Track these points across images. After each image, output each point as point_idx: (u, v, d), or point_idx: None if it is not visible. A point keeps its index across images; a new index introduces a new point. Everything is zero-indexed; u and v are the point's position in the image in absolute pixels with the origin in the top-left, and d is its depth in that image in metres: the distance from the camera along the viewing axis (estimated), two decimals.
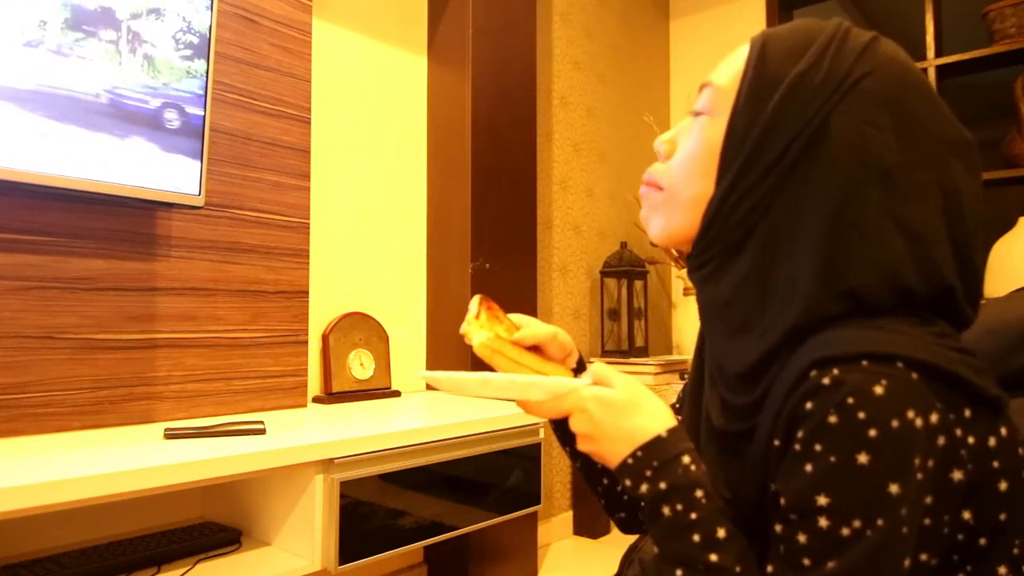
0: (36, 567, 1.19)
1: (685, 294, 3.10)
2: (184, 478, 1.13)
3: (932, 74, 2.56)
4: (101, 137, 1.30)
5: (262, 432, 1.39)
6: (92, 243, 1.42)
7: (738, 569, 0.58)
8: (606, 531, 2.72)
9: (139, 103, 1.35)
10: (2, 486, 0.95)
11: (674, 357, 2.87)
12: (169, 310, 1.53)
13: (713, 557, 0.58)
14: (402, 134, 2.22)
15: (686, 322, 3.13)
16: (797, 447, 0.56)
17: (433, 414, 1.71)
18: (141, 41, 1.36)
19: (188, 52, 1.43)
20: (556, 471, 2.66)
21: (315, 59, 1.93)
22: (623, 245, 2.84)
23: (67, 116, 1.26)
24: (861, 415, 0.53)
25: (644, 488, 0.62)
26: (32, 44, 1.21)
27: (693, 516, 0.59)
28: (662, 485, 0.61)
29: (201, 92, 1.45)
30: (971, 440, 0.56)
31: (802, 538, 0.55)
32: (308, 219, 1.80)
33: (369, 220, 2.11)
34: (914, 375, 0.54)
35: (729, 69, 0.66)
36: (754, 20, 3.14)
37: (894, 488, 0.52)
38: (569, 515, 2.71)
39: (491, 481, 1.68)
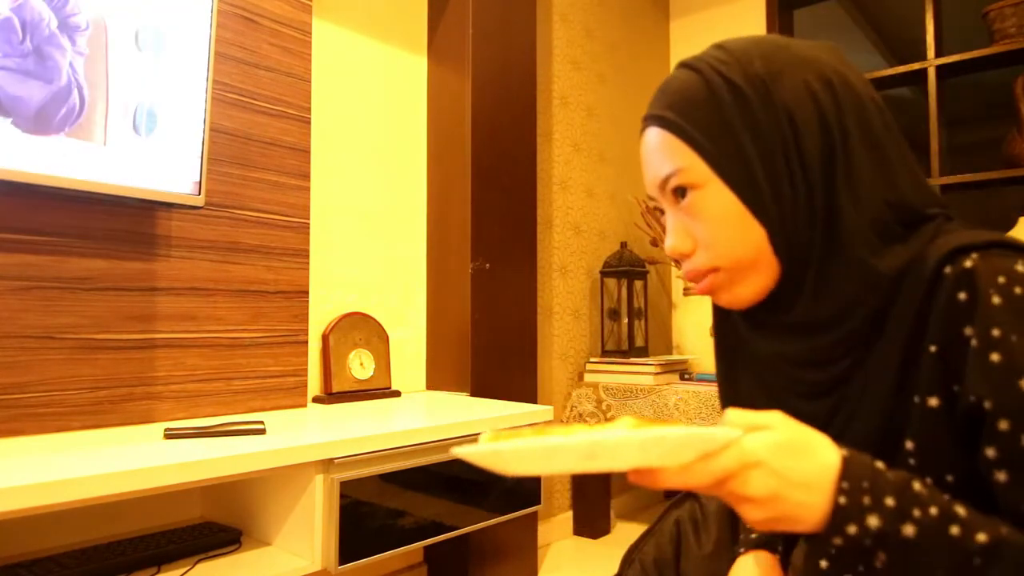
0: (36, 567, 1.19)
1: (685, 294, 3.10)
2: (184, 478, 1.13)
3: (932, 74, 2.55)
4: (99, 137, 1.30)
5: (262, 432, 1.39)
6: (92, 243, 1.42)
7: (1004, 530, 0.51)
8: (606, 531, 2.72)
9: (138, 102, 1.35)
10: (2, 486, 0.95)
11: (674, 357, 2.87)
12: (169, 310, 1.53)
13: (981, 537, 0.51)
14: (402, 134, 2.22)
15: (686, 322, 3.13)
16: (974, 343, 0.55)
17: (433, 414, 1.71)
18: (139, 40, 1.36)
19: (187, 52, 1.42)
20: None
21: (315, 59, 1.93)
22: (623, 245, 2.84)
23: (64, 115, 1.26)
24: (1018, 290, 0.54)
25: (874, 521, 0.51)
26: (26, 40, 1.21)
27: (934, 511, 0.51)
28: (889, 502, 0.51)
29: (201, 92, 1.45)
30: None
31: None
32: (308, 219, 1.80)
33: (369, 220, 2.11)
34: None
35: (668, 154, 0.69)
36: (754, 20, 3.14)
37: None
38: (569, 515, 2.71)
39: (491, 481, 1.68)
